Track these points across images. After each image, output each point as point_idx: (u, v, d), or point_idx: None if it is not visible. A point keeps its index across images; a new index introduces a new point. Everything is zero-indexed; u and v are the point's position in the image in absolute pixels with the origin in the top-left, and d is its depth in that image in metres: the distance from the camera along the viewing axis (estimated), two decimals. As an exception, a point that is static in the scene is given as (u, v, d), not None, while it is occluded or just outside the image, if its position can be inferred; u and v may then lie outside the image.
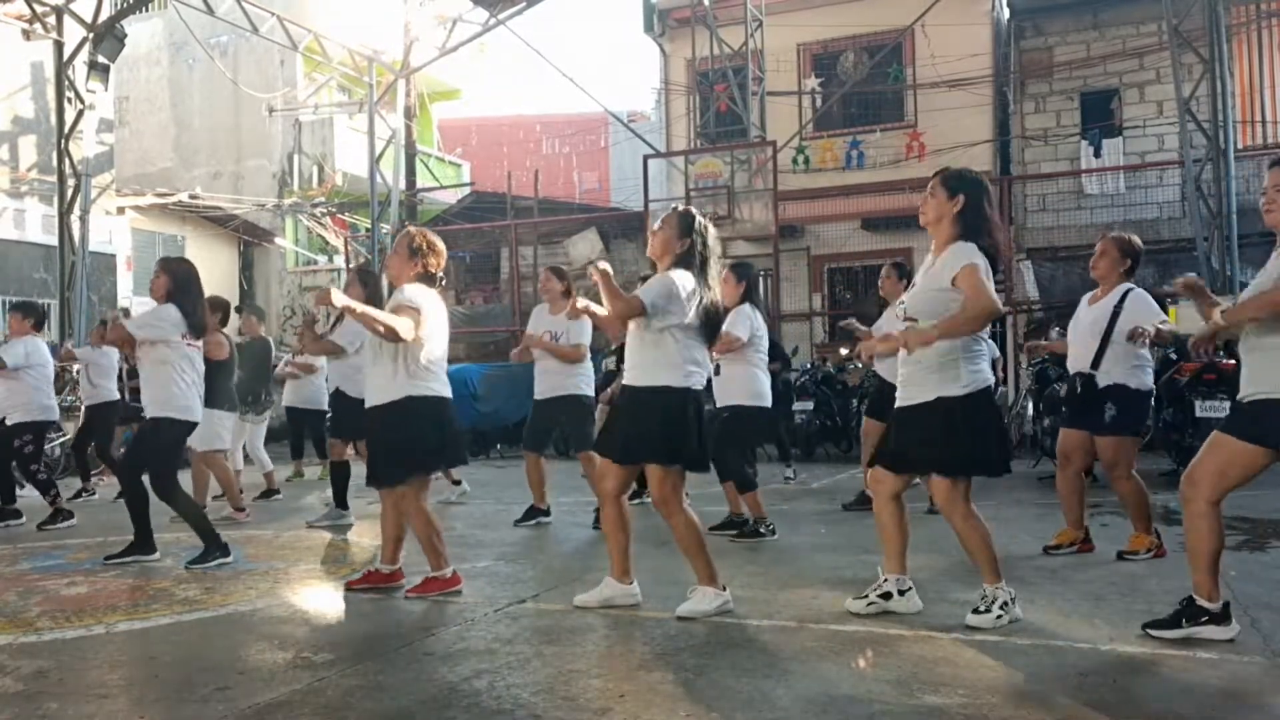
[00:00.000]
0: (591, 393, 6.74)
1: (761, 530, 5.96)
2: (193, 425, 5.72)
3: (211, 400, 6.45)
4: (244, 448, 8.71)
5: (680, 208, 4.32)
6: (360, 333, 5.36)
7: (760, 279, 6.37)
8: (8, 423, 7.42)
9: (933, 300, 3.81)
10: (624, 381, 4.22)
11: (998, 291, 3.83)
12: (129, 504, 5.69)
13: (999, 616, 3.74)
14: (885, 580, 4.02)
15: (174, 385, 5.54)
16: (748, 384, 6.00)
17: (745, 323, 5.90)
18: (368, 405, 4.61)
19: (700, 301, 4.08)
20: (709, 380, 4.33)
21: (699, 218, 4.21)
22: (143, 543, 5.64)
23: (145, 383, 5.67)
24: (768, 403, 6.14)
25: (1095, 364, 5.10)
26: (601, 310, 4.37)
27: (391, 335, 4.34)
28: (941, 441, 3.78)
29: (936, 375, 3.79)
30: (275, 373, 9.17)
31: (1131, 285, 5.13)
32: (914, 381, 3.88)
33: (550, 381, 6.66)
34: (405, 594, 4.56)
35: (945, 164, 4.14)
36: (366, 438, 4.87)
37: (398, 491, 4.58)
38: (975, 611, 3.79)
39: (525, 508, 6.85)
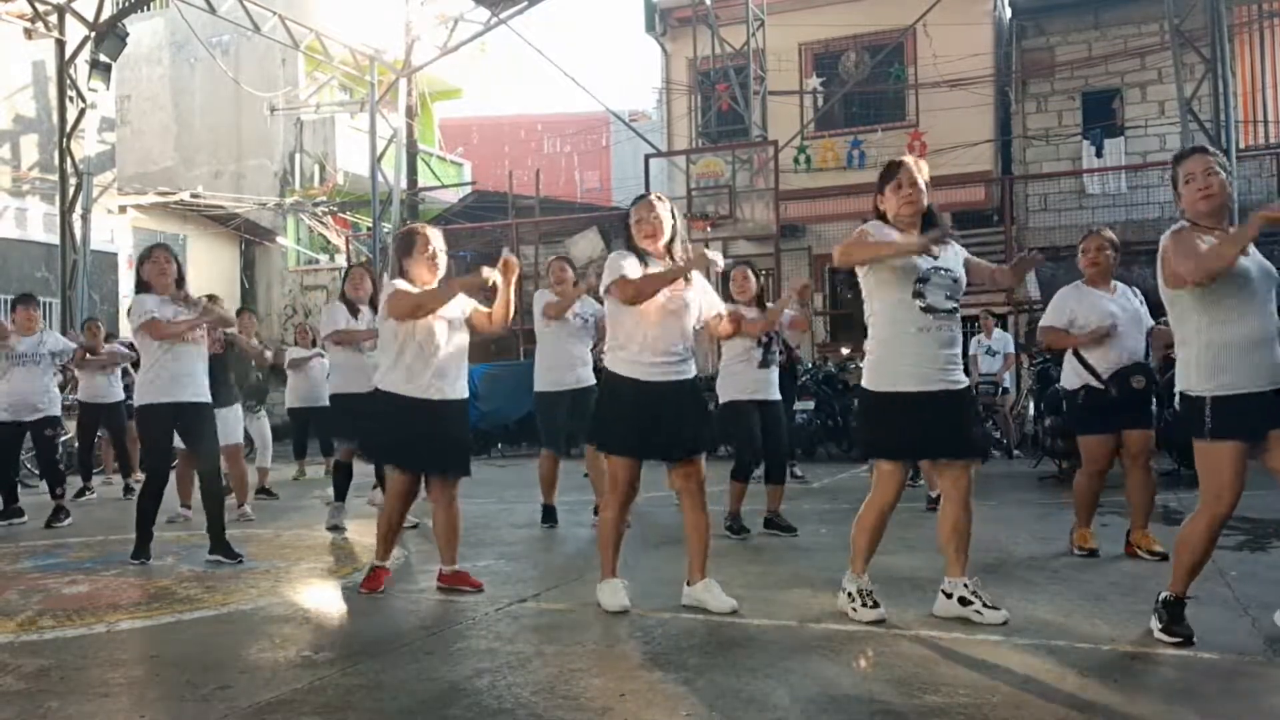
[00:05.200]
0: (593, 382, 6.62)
1: (731, 526, 5.94)
2: (161, 407, 5.53)
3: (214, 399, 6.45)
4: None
5: (649, 197, 4.27)
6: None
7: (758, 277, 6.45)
8: (37, 416, 7.47)
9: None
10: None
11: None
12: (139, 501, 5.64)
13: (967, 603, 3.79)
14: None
15: (146, 372, 5.56)
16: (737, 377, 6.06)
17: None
18: (388, 392, 4.56)
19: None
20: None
21: (633, 208, 4.23)
22: (143, 543, 5.62)
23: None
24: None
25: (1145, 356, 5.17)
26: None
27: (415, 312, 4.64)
28: (974, 425, 4.00)
29: (959, 364, 3.87)
30: (286, 362, 9.27)
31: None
32: (953, 365, 3.85)
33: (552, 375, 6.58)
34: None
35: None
36: (367, 420, 4.85)
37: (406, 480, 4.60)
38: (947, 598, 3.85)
39: (541, 508, 6.71)
